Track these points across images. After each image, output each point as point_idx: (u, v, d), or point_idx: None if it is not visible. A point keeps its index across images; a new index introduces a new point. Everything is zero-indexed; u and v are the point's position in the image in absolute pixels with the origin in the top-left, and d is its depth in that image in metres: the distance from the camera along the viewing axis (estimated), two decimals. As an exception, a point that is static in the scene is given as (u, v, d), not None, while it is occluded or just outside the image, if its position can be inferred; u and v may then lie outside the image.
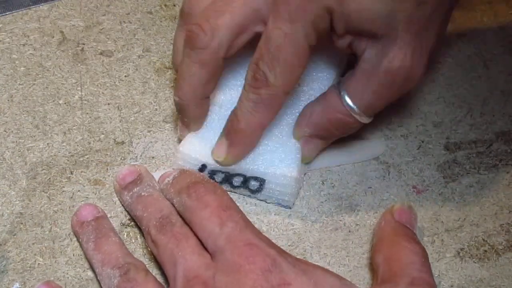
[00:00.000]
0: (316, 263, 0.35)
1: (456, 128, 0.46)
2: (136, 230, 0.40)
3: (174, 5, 0.52)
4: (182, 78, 0.38)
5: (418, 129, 0.46)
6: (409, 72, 0.36)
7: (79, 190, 0.41)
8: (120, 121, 0.45)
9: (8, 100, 0.45)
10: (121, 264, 0.35)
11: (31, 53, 0.48)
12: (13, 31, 0.49)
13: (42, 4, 0.51)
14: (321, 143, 0.41)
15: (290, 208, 0.41)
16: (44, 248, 0.39)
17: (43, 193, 0.41)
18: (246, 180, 0.40)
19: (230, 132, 0.38)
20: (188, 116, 0.39)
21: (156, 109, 0.46)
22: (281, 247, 0.35)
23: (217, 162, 0.39)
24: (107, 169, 0.42)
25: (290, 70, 0.35)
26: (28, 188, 0.41)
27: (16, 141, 0.43)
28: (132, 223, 0.40)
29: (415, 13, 0.34)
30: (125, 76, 0.47)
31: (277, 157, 0.39)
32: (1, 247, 0.38)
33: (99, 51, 0.49)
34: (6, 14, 0.50)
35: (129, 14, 0.51)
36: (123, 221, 0.40)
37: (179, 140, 0.42)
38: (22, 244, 0.39)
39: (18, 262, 0.38)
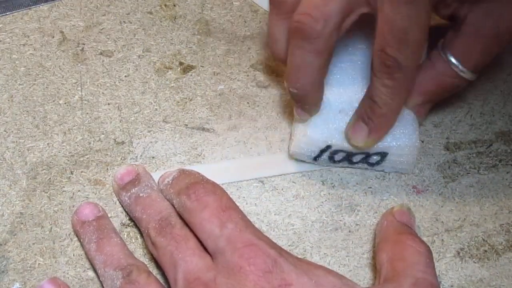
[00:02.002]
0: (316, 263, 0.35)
1: (456, 128, 0.46)
2: (136, 230, 0.40)
3: (174, 5, 0.52)
4: (297, 69, 0.37)
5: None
6: None
7: (79, 190, 0.41)
8: (120, 121, 0.45)
9: (8, 100, 0.45)
10: (123, 265, 0.35)
11: (31, 53, 0.48)
12: (13, 31, 0.49)
13: (42, 4, 0.51)
14: (427, 109, 0.43)
15: (407, 173, 0.43)
16: (44, 248, 0.39)
17: (43, 193, 0.41)
18: (367, 156, 0.41)
19: (371, 117, 0.38)
20: (309, 102, 0.39)
21: (156, 109, 0.46)
22: (281, 247, 0.35)
23: (353, 146, 0.40)
24: (107, 169, 0.42)
25: (418, 47, 0.36)
26: (28, 188, 0.41)
27: (16, 141, 0.43)
28: (132, 223, 0.40)
29: None
30: (125, 76, 0.47)
31: (397, 130, 0.40)
32: (1, 247, 0.38)
33: (99, 51, 0.49)
34: (6, 14, 0.50)
35: (129, 14, 0.51)
36: (123, 221, 0.40)
37: (296, 127, 0.42)
38: (22, 244, 0.39)
39: (18, 262, 0.38)
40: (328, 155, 0.41)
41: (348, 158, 0.41)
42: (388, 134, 0.40)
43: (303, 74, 0.37)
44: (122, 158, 0.43)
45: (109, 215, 0.40)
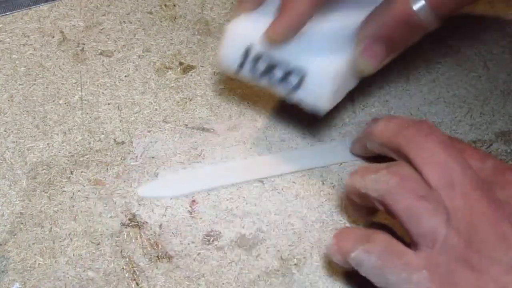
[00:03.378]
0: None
1: (456, 128, 0.46)
2: (136, 230, 0.40)
3: (174, 5, 0.52)
4: None
5: (418, 129, 0.45)
6: None
7: (79, 190, 0.41)
8: (120, 121, 0.45)
9: (8, 100, 0.45)
10: None
11: (31, 53, 0.48)
12: (13, 31, 0.49)
13: (42, 4, 0.51)
14: (380, 52, 0.38)
15: (322, 113, 0.39)
16: (44, 248, 0.39)
17: (43, 193, 0.41)
18: (287, 74, 0.38)
19: (283, 5, 0.36)
20: None
21: (156, 109, 0.46)
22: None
23: (266, 41, 0.37)
24: (107, 169, 0.42)
25: None
26: (28, 188, 0.41)
27: (16, 141, 0.43)
28: (132, 223, 0.40)
29: None
30: (125, 76, 0.47)
31: (326, 53, 0.37)
32: (1, 247, 0.38)
33: (99, 51, 0.49)
34: (6, 14, 0.50)
35: (129, 14, 0.51)
36: (123, 221, 0.40)
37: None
38: (22, 244, 0.39)
39: (18, 262, 0.38)
40: (251, 63, 0.38)
41: (269, 70, 0.38)
42: (312, 48, 0.37)
43: None
44: (122, 158, 0.43)
45: (108, 215, 0.40)
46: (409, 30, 0.37)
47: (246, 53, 0.38)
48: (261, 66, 0.38)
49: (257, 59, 0.38)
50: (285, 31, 0.37)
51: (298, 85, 0.38)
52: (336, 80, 0.37)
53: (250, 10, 0.39)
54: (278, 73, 0.38)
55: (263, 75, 0.39)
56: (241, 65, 0.39)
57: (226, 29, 0.39)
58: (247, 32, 0.38)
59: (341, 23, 0.39)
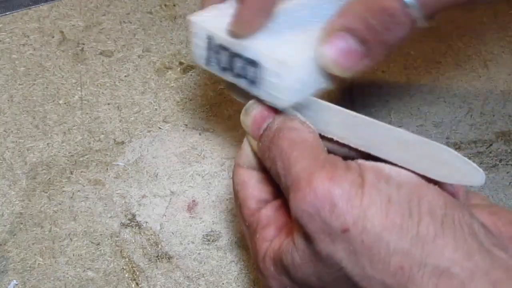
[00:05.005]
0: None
1: (456, 128, 0.46)
2: (136, 230, 0.40)
3: (174, 5, 0.52)
4: None
5: (418, 129, 0.45)
6: None
7: (79, 190, 0.41)
8: (120, 121, 0.45)
9: (8, 100, 0.45)
10: None
11: (31, 53, 0.48)
12: (13, 31, 0.49)
13: (42, 4, 0.51)
14: (354, 50, 0.31)
15: (283, 110, 0.34)
16: (44, 248, 0.39)
17: (43, 193, 0.41)
18: (245, 65, 0.34)
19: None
20: None
21: (156, 109, 0.46)
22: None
23: (229, 34, 0.34)
24: (107, 169, 0.42)
25: None
26: (28, 188, 0.41)
27: (16, 141, 0.43)
28: (132, 223, 0.40)
29: None
30: (125, 76, 0.47)
31: (287, 45, 0.33)
32: (1, 247, 0.38)
33: (99, 51, 0.49)
34: (6, 14, 0.50)
35: (129, 14, 0.51)
36: (123, 221, 0.40)
37: None
38: (22, 244, 0.39)
39: (18, 262, 0.38)
40: (214, 55, 0.36)
41: (231, 63, 0.35)
42: (271, 39, 0.34)
43: None
44: (122, 158, 0.43)
45: (108, 215, 0.40)
46: (392, 24, 0.30)
47: (209, 45, 0.36)
48: (223, 57, 0.36)
49: (218, 51, 0.36)
50: (249, 22, 0.32)
51: (256, 79, 0.34)
52: (294, 74, 0.32)
53: (215, 1, 0.36)
54: (238, 67, 0.35)
55: (226, 68, 0.36)
56: (208, 58, 0.37)
57: (190, 22, 0.36)
58: (207, 23, 0.36)
59: (310, 12, 0.35)
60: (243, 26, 0.33)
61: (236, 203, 0.34)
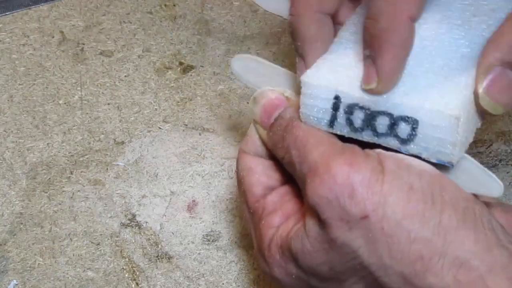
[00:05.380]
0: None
1: (456, 128, 0.46)
2: (136, 230, 0.40)
3: (174, 5, 0.52)
4: None
5: (418, 129, 0.45)
6: None
7: (79, 190, 0.41)
8: (120, 121, 0.45)
9: (8, 100, 0.45)
10: None
11: (31, 53, 0.48)
12: (13, 31, 0.49)
13: (42, 4, 0.51)
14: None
15: (452, 165, 0.30)
16: (44, 248, 0.39)
17: (43, 193, 0.41)
18: (393, 123, 0.30)
19: (372, 41, 0.28)
20: (301, 36, 0.31)
21: (156, 109, 0.46)
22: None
23: (368, 92, 0.30)
24: (107, 169, 0.42)
25: None
26: (28, 188, 0.41)
27: (16, 141, 0.43)
28: (132, 223, 0.40)
29: None
30: (125, 76, 0.47)
31: (437, 91, 0.29)
32: (1, 247, 0.38)
33: (99, 51, 0.49)
34: (6, 14, 0.50)
35: (129, 14, 0.51)
36: (123, 221, 0.40)
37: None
38: (22, 244, 0.39)
39: (18, 262, 0.38)
40: (344, 116, 0.31)
41: (370, 122, 0.31)
42: (421, 92, 0.29)
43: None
44: (122, 158, 0.43)
45: (108, 215, 0.40)
46: None
47: (335, 108, 0.31)
48: (358, 119, 0.31)
49: (351, 111, 0.31)
50: (392, 76, 0.29)
51: (410, 136, 0.30)
52: (457, 123, 0.28)
53: (313, 59, 0.32)
54: (382, 124, 0.30)
55: (363, 130, 0.31)
56: (332, 121, 0.32)
57: (304, 83, 0.31)
58: (329, 81, 0.31)
59: (450, 46, 0.30)
60: (387, 81, 0.29)
61: (240, 190, 0.34)
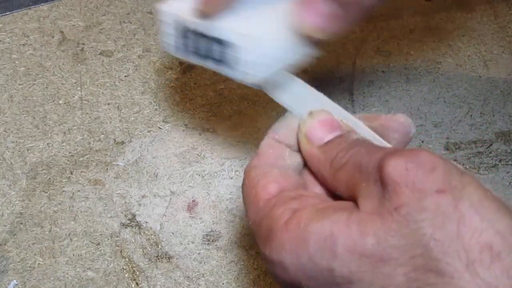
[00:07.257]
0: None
1: (456, 128, 0.46)
2: (136, 230, 0.40)
3: (174, 5, 0.52)
4: None
5: (418, 129, 0.46)
6: None
7: (79, 190, 0.41)
8: (120, 121, 0.45)
9: (8, 100, 0.45)
10: None
11: (31, 53, 0.48)
12: (13, 31, 0.49)
13: (42, 4, 0.51)
14: (334, 9, 0.30)
15: (259, 86, 0.34)
16: (44, 248, 0.39)
17: (43, 193, 0.41)
18: (210, 46, 0.34)
19: None
20: None
21: (156, 109, 0.46)
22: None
23: (197, 14, 0.33)
24: (107, 169, 0.42)
25: None
26: (28, 188, 0.41)
27: (16, 141, 0.43)
28: (132, 223, 0.40)
29: None
30: (125, 76, 0.47)
31: (248, 17, 0.33)
32: (1, 247, 0.38)
33: (99, 51, 0.49)
34: (6, 14, 0.50)
35: (129, 14, 0.51)
36: (123, 221, 0.40)
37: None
38: (22, 244, 0.39)
39: (18, 262, 0.38)
40: (182, 41, 0.35)
41: (197, 45, 0.34)
42: (238, 17, 0.33)
43: None
44: (122, 158, 0.43)
45: (108, 215, 0.40)
46: None
47: (176, 30, 0.35)
48: (190, 41, 0.35)
49: (185, 34, 0.35)
50: (215, 3, 0.32)
51: (221, 56, 0.33)
52: (261, 47, 0.32)
53: None
54: (203, 46, 0.34)
55: (193, 51, 0.35)
56: (176, 44, 0.36)
57: (159, 11, 0.35)
58: (176, 9, 0.35)
59: None
60: (211, 3, 0.32)
61: (253, 163, 0.32)
